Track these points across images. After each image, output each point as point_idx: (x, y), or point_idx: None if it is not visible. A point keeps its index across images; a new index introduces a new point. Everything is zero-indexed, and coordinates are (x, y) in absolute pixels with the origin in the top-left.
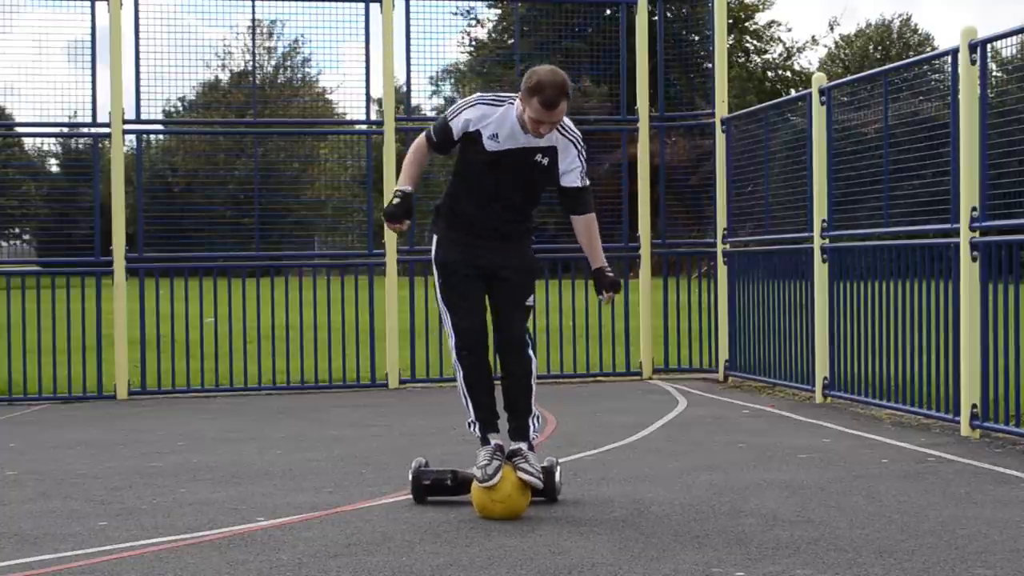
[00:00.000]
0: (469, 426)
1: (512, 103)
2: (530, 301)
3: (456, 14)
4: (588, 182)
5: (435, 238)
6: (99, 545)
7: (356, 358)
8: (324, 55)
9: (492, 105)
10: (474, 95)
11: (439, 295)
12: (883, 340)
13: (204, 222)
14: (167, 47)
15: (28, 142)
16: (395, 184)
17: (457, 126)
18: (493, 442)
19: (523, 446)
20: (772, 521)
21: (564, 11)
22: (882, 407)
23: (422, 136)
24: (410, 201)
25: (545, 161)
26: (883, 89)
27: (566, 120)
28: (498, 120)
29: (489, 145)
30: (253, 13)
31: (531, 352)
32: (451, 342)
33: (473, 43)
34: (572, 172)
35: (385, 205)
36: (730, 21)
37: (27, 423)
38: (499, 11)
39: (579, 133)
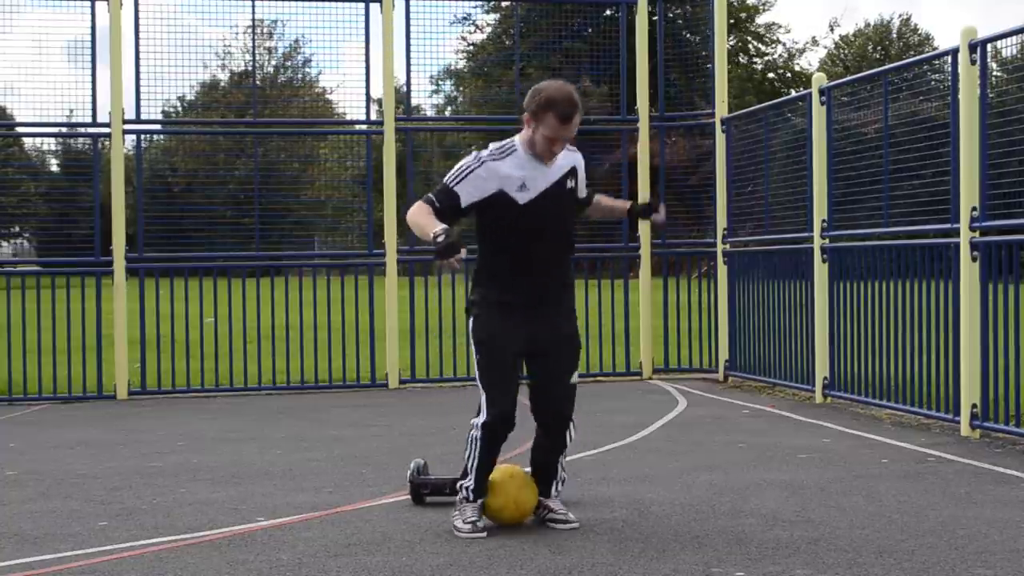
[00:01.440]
0: (461, 489)
1: (514, 141)
2: (575, 377)
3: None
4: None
5: (474, 314)
6: (99, 545)
7: (356, 358)
8: (324, 55)
9: (499, 157)
10: (470, 155)
11: (477, 369)
12: (883, 340)
13: (204, 222)
14: (167, 47)
15: (28, 142)
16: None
17: (465, 192)
18: (480, 500)
19: (548, 503)
20: (772, 521)
21: (564, 11)
22: (882, 407)
23: (421, 202)
24: (452, 234)
25: (573, 183)
26: (883, 89)
27: None
28: (515, 167)
29: (521, 198)
30: (253, 13)
31: (573, 431)
32: (480, 418)
33: (471, 47)
34: (583, 183)
35: (435, 249)
36: (731, 21)
37: (27, 423)
38: (498, 13)
39: None
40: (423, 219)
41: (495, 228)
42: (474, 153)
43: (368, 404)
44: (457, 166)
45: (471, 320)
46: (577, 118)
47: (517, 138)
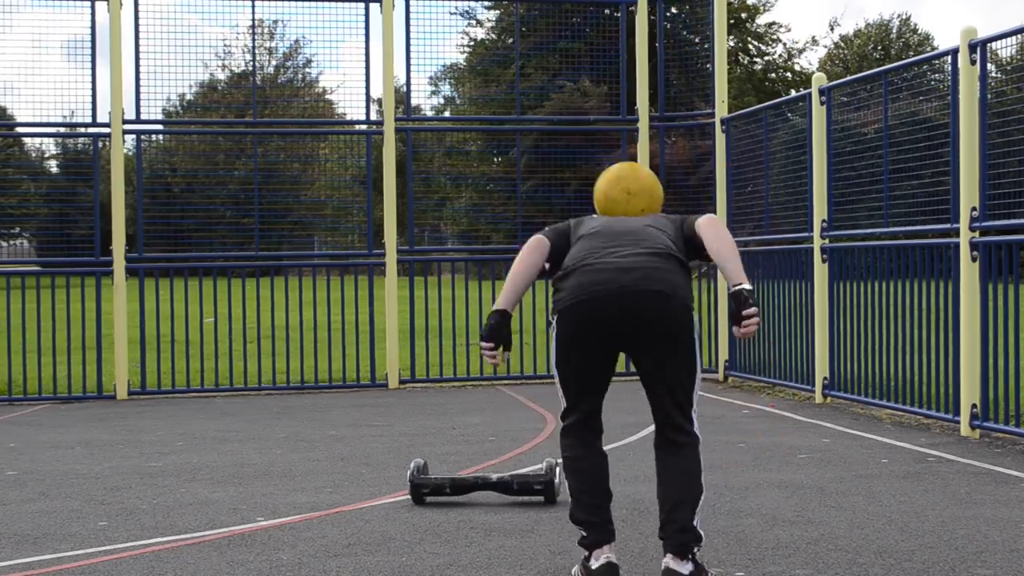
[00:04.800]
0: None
1: None
2: None
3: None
4: None
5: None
6: (99, 545)
7: (356, 358)
8: (324, 55)
9: None
10: None
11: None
12: (883, 340)
13: (204, 222)
14: (167, 47)
15: (28, 142)
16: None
17: None
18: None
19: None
20: (772, 521)
21: (564, 11)
22: (882, 407)
23: None
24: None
25: None
26: (883, 89)
27: None
28: None
29: None
30: (253, 13)
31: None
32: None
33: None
34: None
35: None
36: (730, 21)
37: (27, 423)
38: (498, 11)
39: None
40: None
41: None
42: None
43: (368, 404)
44: None
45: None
46: None
47: None
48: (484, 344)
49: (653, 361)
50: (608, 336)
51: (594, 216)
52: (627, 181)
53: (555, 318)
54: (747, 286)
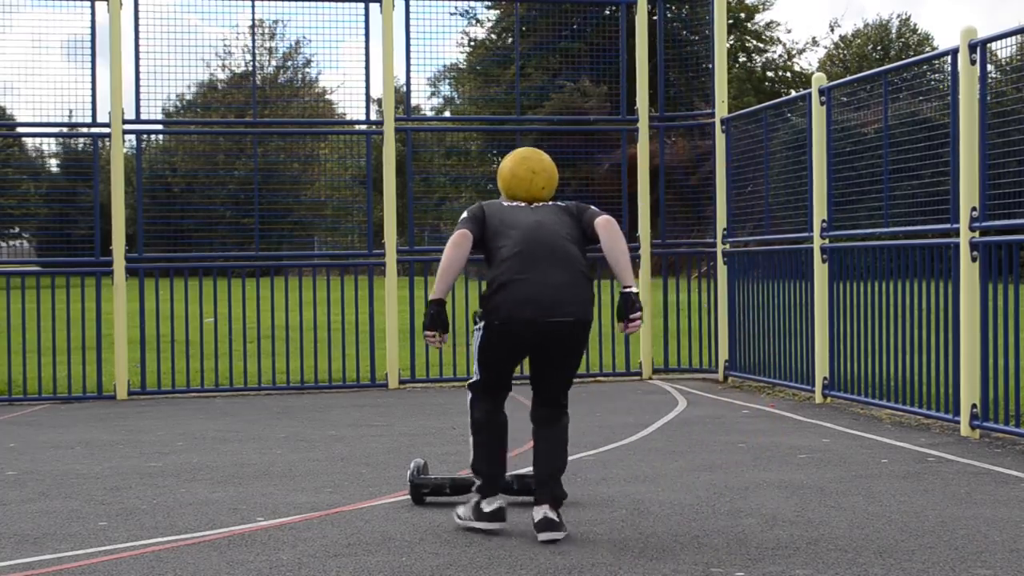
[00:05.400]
0: None
1: None
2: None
3: (455, 14)
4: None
5: None
6: (99, 545)
7: (356, 358)
8: (324, 55)
9: None
10: None
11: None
12: (883, 340)
13: (204, 222)
14: (167, 47)
15: (28, 142)
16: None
17: None
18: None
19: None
20: (772, 521)
21: (564, 11)
22: (882, 407)
23: None
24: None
25: None
26: (883, 89)
27: None
28: None
29: None
30: (253, 13)
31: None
32: None
33: (472, 43)
34: None
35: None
36: (730, 21)
37: (27, 423)
38: (498, 11)
39: None
40: None
41: None
42: None
43: (368, 404)
44: None
45: None
46: None
47: None
48: (428, 333)
49: (557, 364)
50: (526, 350)
51: (504, 204)
52: (532, 162)
53: (482, 323)
54: (635, 289)
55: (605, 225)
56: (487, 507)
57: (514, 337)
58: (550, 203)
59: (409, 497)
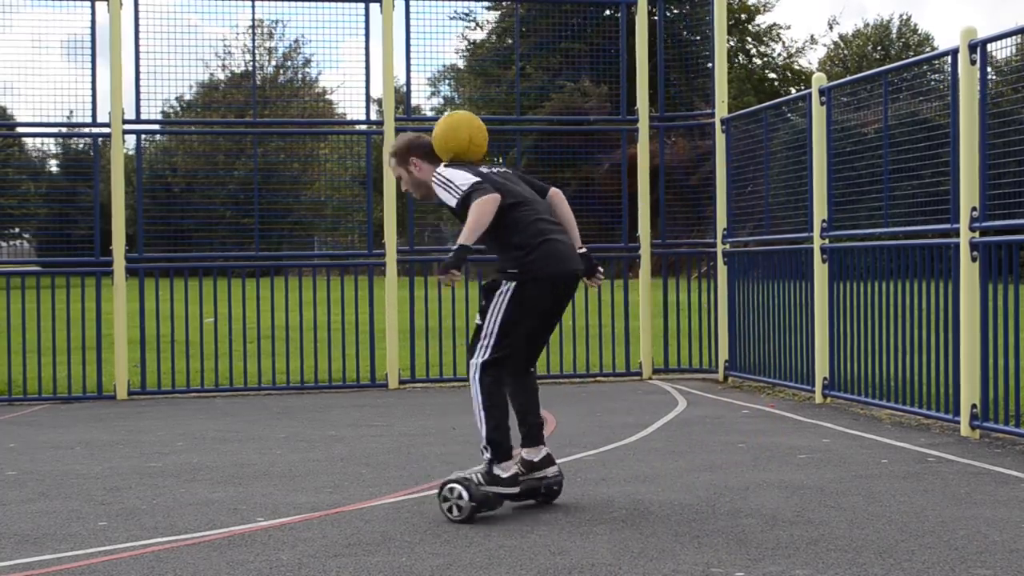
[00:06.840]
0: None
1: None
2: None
3: (454, 17)
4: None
5: None
6: (99, 545)
7: (356, 358)
8: (324, 55)
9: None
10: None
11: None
12: (883, 340)
13: (204, 222)
14: (167, 47)
15: (28, 142)
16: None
17: None
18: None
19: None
20: (772, 521)
21: (564, 11)
22: (882, 407)
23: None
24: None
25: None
26: (883, 89)
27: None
28: None
29: None
30: (253, 13)
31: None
32: None
33: (471, 45)
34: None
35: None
36: (730, 22)
37: (27, 423)
38: (498, 12)
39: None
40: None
41: None
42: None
43: (368, 404)
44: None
45: None
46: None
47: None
48: (454, 272)
49: (556, 321)
50: (550, 308)
51: (483, 169)
52: (476, 122)
53: (526, 278)
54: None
55: (558, 194)
56: (504, 473)
57: (555, 290)
58: (507, 168)
59: (410, 496)
